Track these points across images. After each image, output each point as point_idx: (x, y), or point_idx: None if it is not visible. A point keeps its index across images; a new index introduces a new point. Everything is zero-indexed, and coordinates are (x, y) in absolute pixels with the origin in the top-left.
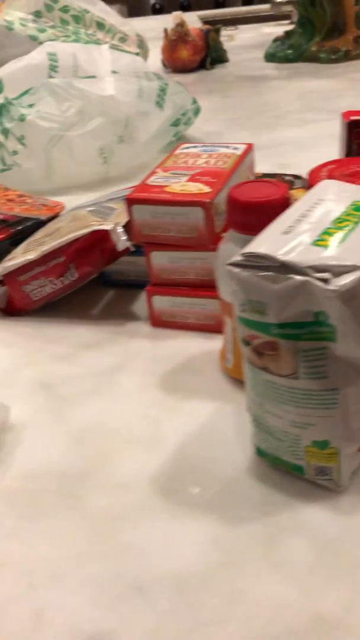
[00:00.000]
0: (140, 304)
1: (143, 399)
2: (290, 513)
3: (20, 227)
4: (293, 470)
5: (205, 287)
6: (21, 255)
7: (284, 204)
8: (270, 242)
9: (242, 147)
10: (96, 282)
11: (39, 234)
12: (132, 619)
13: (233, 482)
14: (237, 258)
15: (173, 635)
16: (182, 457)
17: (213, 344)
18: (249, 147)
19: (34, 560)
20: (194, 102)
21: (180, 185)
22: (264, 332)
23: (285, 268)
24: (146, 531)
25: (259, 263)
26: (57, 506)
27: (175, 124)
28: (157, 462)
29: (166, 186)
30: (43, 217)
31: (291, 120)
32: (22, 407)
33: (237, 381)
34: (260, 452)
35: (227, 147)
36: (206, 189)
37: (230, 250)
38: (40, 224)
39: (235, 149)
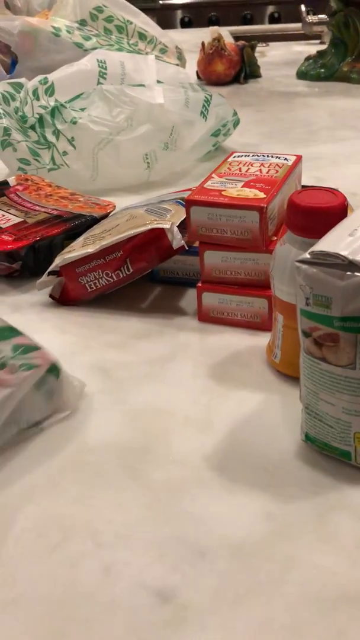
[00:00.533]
0: (186, 300)
1: (194, 385)
2: (338, 494)
3: (75, 223)
4: (341, 456)
5: (254, 286)
6: (80, 248)
7: (342, 210)
8: (337, 242)
9: (293, 159)
10: (145, 279)
11: (97, 229)
12: (195, 577)
13: (282, 464)
14: (306, 256)
15: (233, 593)
16: (234, 439)
17: (259, 340)
18: (299, 159)
19: (100, 523)
20: (235, 114)
21: (237, 190)
22: (327, 325)
23: (352, 266)
24: (203, 502)
25: (326, 261)
26: (119, 477)
27: (216, 134)
28: (211, 442)
29: (223, 190)
30: (96, 215)
31: (324, 136)
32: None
33: (283, 375)
34: (308, 438)
35: (279, 157)
36: (261, 194)
37: (288, 250)
38: (94, 221)
39: (286, 159)
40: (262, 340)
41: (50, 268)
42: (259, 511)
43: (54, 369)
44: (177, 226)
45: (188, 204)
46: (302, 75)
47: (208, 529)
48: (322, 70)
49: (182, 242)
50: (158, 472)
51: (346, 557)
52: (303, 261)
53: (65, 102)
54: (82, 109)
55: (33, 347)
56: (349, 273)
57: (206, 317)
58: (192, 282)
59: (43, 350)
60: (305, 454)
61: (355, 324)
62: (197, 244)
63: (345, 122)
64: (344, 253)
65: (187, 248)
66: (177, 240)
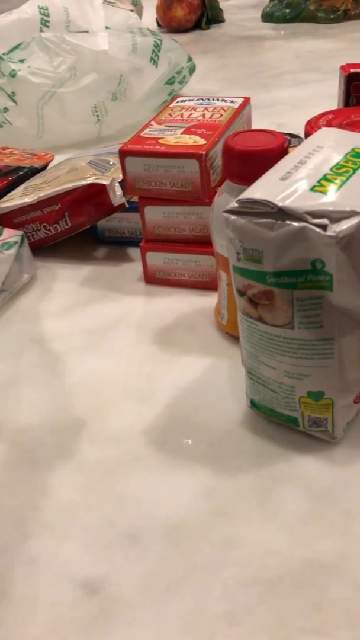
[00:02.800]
0: (134, 263)
1: (137, 354)
2: (285, 464)
3: (16, 176)
4: (287, 422)
5: (200, 243)
6: (19, 198)
7: (281, 153)
8: (267, 188)
9: (239, 101)
10: (89, 239)
11: (37, 180)
12: (125, 565)
13: (227, 435)
14: (233, 205)
15: (166, 581)
16: (176, 410)
17: (207, 301)
18: (246, 101)
19: (25, 510)
20: (189, 59)
21: (175, 138)
22: (260, 282)
23: (283, 214)
24: (140, 482)
25: (255, 210)
26: (49, 458)
27: (170, 82)
28: (151, 415)
29: (160, 138)
30: (37, 165)
31: (288, 80)
32: (13, 363)
33: (232, 337)
34: (254, 405)
35: (224, 100)
36: (201, 141)
37: (226, 201)
38: (35, 171)
39: (232, 102)
40: (211, 301)
41: None
42: (199, 488)
43: (22, 240)
44: (122, 181)
45: (122, 155)
46: (267, 17)
47: (143, 511)
48: (288, 10)
49: (123, 199)
50: (92, 451)
51: (289, 534)
52: (231, 211)
53: (3, 54)
54: (22, 61)
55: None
56: (279, 222)
57: (152, 279)
58: (139, 242)
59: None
60: (252, 421)
61: (289, 279)
62: (136, 199)
63: (310, 64)
64: (273, 200)
65: (127, 206)
66: (118, 197)
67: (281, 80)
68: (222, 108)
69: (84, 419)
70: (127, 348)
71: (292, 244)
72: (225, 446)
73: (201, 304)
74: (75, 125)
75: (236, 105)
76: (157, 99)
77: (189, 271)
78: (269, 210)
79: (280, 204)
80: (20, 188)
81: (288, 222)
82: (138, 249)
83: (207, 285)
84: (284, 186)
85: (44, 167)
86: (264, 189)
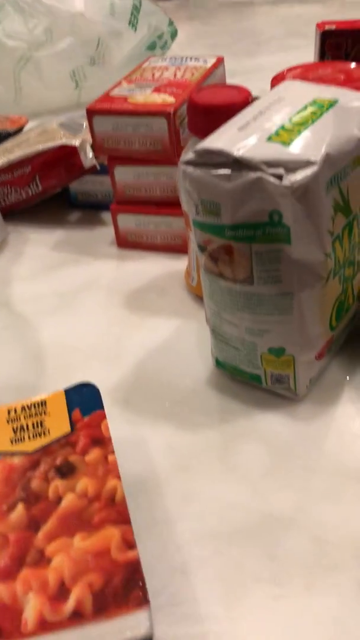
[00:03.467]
0: (107, 227)
1: (106, 317)
2: (247, 421)
3: None
4: (251, 380)
5: (172, 204)
6: None
7: (245, 107)
8: (225, 138)
9: (212, 60)
10: (63, 203)
11: (7, 143)
12: None
13: (192, 393)
14: (190, 156)
15: None
16: (143, 371)
17: (179, 264)
18: (219, 60)
19: None
20: (171, 23)
21: (144, 97)
22: (219, 236)
23: (239, 165)
24: None
25: (212, 160)
26: None
27: (151, 47)
28: (117, 376)
29: (129, 97)
30: (10, 130)
31: (273, 46)
32: None
33: (201, 299)
34: (219, 364)
35: (197, 60)
36: (170, 99)
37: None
38: (8, 135)
39: (205, 62)
40: (182, 264)
41: None
42: (161, 444)
43: None
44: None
45: (89, 113)
46: None
47: None
48: None
49: (94, 162)
50: None
51: (249, 488)
52: (188, 162)
53: None
54: None
55: None
56: (235, 173)
57: (124, 242)
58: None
59: None
60: (217, 380)
61: (247, 232)
62: None
63: (296, 29)
64: (229, 149)
65: (98, 168)
66: (89, 159)
67: (267, 46)
68: (194, 67)
69: (50, 379)
70: (97, 311)
71: (249, 195)
72: (189, 404)
73: (173, 267)
74: (54, 91)
75: (208, 65)
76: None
77: (161, 234)
78: (226, 161)
79: (236, 154)
80: None
81: (244, 172)
82: (109, 214)
83: (179, 248)
84: (241, 136)
85: (17, 131)
86: (221, 139)
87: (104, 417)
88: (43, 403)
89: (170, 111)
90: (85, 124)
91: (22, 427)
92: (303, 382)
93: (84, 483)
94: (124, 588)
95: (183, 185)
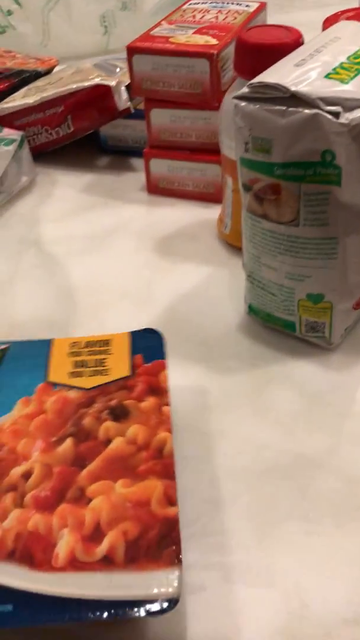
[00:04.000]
0: (136, 172)
1: (136, 260)
2: (279, 367)
3: (19, 79)
4: (284, 328)
5: (207, 151)
6: (20, 99)
7: (296, 47)
8: (280, 73)
9: (254, 5)
10: (92, 147)
11: (39, 82)
12: None
13: (223, 338)
14: (244, 90)
15: None
16: (173, 314)
17: (211, 213)
18: (262, 6)
19: None
20: None
21: (186, 37)
22: (267, 174)
23: (295, 100)
24: None
25: (267, 95)
26: None
27: None
28: (148, 317)
29: (171, 37)
30: (41, 70)
31: (308, 2)
32: (11, 264)
33: (234, 248)
34: (252, 310)
35: (239, 4)
36: (213, 41)
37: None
38: (38, 75)
39: (247, 6)
40: (214, 213)
41: None
42: (193, 385)
43: (22, 140)
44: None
45: (130, 52)
46: None
47: None
48: None
49: (129, 104)
50: None
51: (281, 429)
52: (241, 97)
53: None
54: None
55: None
56: (291, 109)
57: (155, 188)
58: (142, 152)
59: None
60: (249, 327)
61: (297, 171)
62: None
63: None
64: (286, 84)
65: (132, 111)
66: (123, 101)
67: (301, 2)
68: (237, 11)
69: (80, 317)
70: (127, 254)
71: (303, 132)
72: (220, 349)
73: (204, 215)
74: (82, 35)
75: (251, 10)
76: (171, 10)
77: (194, 181)
78: (281, 96)
79: (293, 89)
80: (23, 90)
81: (300, 108)
82: (141, 160)
83: (211, 196)
84: (298, 72)
85: (47, 72)
86: (277, 74)
87: (164, 367)
88: (107, 342)
89: (213, 52)
90: (120, 66)
91: (82, 363)
92: (338, 331)
93: (135, 430)
94: (158, 543)
95: (234, 121)
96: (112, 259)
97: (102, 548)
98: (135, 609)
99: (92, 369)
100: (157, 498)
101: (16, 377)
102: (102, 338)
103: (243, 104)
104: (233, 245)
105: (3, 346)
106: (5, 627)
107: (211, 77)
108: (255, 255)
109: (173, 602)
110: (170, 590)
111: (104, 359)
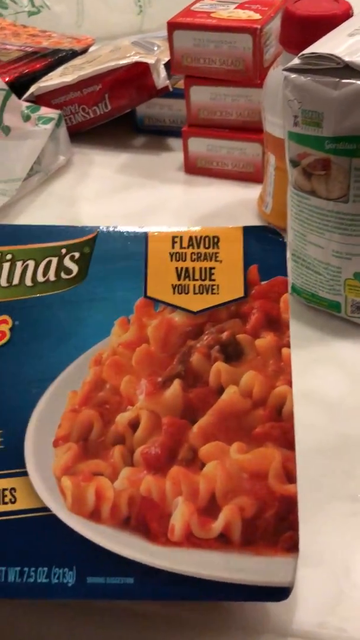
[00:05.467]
0: (173, 152)
1: None
2: (323, 348)
3: (55, 58)
4: (329, 308)
5: (247, 129)
6: (58, 78)
7: (346, 19)
8: (332, 43)
9: None
10: (128, 127)
11: (77, 60)
12: None
13: None
14: (295, 62)
15: None
16: None
17: (251, 193)
18: None
19: None
20: None
21: (228, 12)
22: (317, 149)
23: (349, 71)
24: None
25: (318, 66)
26: None
27: None
28: None
29: (212, 12)
30: (77, 48)
31: None
32: None
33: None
34: (295, 290)
35: None
36: (256, 16)
37: (282, 73)
38: (75, 54)
39: None
40: (254, 193)
41: (25, 96)
42: None
43: (60, 119)
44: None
45: (170, 27)
46: None
47: None
48: None
49: (167, 82)
50: None
51: (326, 410)
52: (291, 69)
53: None
54: None
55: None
56: (344, 80)
57: (193, 167)
58: (180, 132)
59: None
60: (292, 307)
61: (349, 146)
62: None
63: None
64: (339, 53)
65: (171, 89)
66: (162, 79)
67: None
68: None
69: None
70: None
71: (356, 105)
72: None
73: (243, 195)
74: (116, 15)
75: None
76: None
77: (233, 160)
78: (334, 67)
79: (347, 59)
80: (60, 68)
81: (354, 80)
82: (178, 139)
83: (250, 176)
84: (352, 42)
85: (83, 51)
86: (329, 45)
87: (286, 287)
88: (216, 240)
89: (257, 27)
90: (157, 44)
91: (187, 272)
92: None
93: (250, 378)
94: (275, 526)
95: (282, 94)
96: None
97: (218, 524)
98: (253, 595)
99: (198, 282)
100: (275, 471)
101: (111, 286)
102: (209, 233)
103: (293, 75)
104: (274, 224)
105: (89, 235)
106: (126, 600)
107: (254, 53)
108: (301, 233)
109: (287, 592)
110: (286, 579)
111: (212, 268)
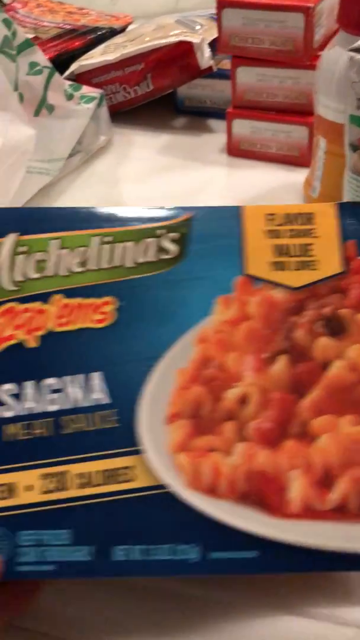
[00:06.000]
0: (215, 133)
1: None
2: None
3: (94, 35)
4: None
5: (294, 112)
6: (99, 56)
7: None
8: None
9: None
10: (168, 108)
11: (119, 38)
12: None
13: None
14: None
15: None
16: None
17: (295, 177)
18: None
19: None
20: None
21: None
22: None
23: None
24: None
25: None
26: None
27: None
28: None
29: None
30: (116, 27)
31: None
32: None
33: None
34: None
35: None
36: None
37: (338, 55)
38: (113, 33)
39: None
40: (299, 177)
41: (65, 74)
42: None
43: (102, 99)
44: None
45: (219, 5)
46: None
47: None
48: None
49: (211, 62)
50: None
51: None
52: (358, 49)
53: None
54: None
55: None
56: None
57: (236, 150)
58: (221, 113)
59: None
60: None
61: None
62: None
63: None
64: None
65: (215, 69)
66: (206, 58)
67: None
68: None
69: None
70: None
71: None
72: None
73: (287, 178)
74: None
75: None
76: None
77: (278, 143)
78: None
79: None
80: (101, 47)
81: None
82: (219, 121)
83: (295, 160)
84: None
85: (122, 29)
86: None
87: None
88: (310, 217)
89: (309, 6)
90: (200, 23)
91: (285, 249)
92: None
93: (356, 351)
94: None
95: (347, 76)
96: None
97: (335, 496)
98: None
99: (296, 259)
100: None
101: (209, 265)
102: (304, 209)
103: (359, 56)
104: None
105: (184, 215)
106: (251, 574)
107: (305, 32)
108: None
109: None
110: None
111: (309, 244)
